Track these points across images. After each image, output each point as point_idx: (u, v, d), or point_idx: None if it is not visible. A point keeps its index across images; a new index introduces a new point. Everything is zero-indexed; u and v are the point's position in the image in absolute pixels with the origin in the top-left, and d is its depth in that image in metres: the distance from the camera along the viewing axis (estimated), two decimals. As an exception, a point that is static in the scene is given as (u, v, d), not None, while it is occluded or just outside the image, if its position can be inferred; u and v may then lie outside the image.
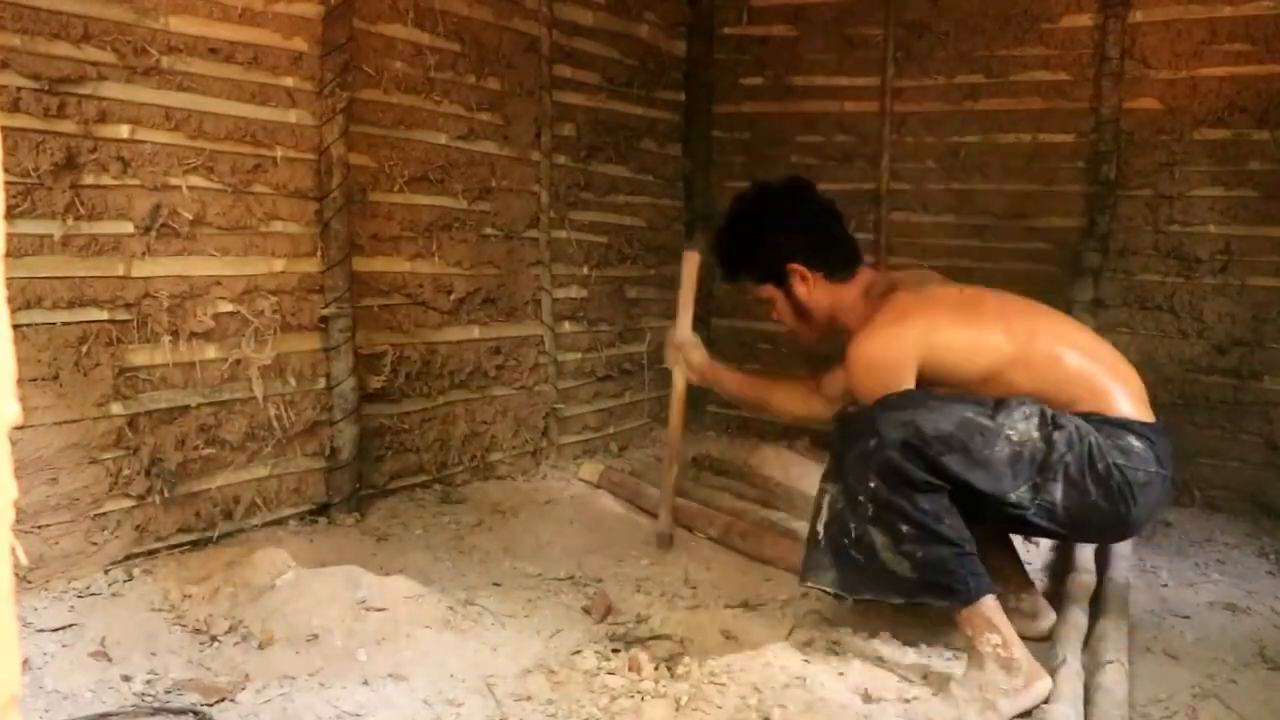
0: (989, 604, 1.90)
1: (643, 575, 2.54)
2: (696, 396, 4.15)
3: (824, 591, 2.03)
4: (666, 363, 2.66)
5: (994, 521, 2.05)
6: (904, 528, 1.87)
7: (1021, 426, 1.91)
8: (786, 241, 2.29)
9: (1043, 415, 1.94)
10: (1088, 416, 1.98)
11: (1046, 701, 1.82)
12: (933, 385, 2.06)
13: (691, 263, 2.61)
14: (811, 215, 2.34)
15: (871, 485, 1.89)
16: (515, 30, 3.27)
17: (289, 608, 2.06)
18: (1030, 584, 2.29)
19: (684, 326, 2.57)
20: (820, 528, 1.99)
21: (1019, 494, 1.91)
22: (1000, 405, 1.94)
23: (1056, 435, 1.92)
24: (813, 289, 2.30)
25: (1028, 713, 1.83)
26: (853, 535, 1.93)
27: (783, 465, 3.44)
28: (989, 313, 2.13)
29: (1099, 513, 1.95)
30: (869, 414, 1.96)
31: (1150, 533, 2.99)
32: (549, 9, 3.37)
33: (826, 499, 1.99)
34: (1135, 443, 1.97)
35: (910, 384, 2.04)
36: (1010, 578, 2.25)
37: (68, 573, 2.23)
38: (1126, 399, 2.03)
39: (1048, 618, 2.22)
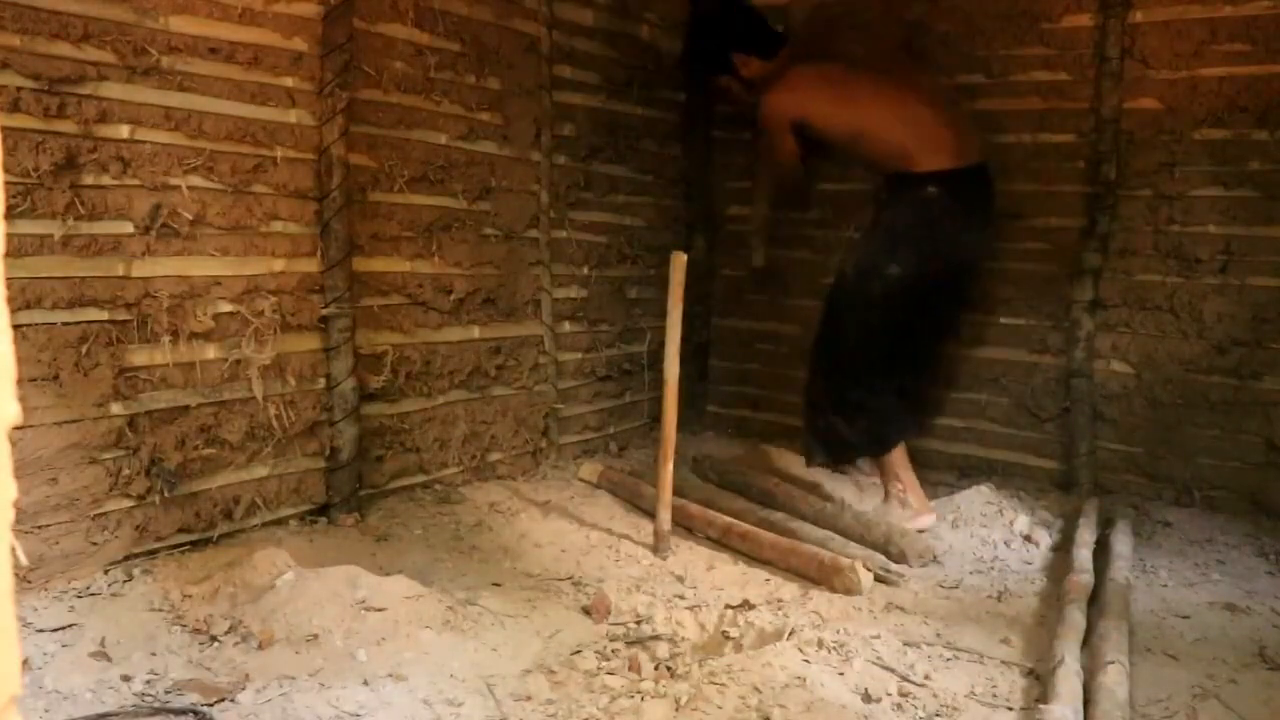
0: (896, 456, 3.00)
1: (643, 575, 2.54)
2: (696, 397, 4.16)
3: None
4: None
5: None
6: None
7: (895, 270, 2.92)
8: (727, 42, 3.31)
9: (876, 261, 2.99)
10: (902, 174, 2.97)
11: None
12: (816, 135, 3.09)
13: (680, 264, 2.64)
14: (738, 20, 3.34)
15: None
16: (515, 30, 3.27)
17: (289, 608, 2.06)
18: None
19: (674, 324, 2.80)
20: None
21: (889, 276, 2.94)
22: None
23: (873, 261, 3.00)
24: (752, 68, 3.29)
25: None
26: None
27: (783, 465, 3.45)
28: (861, 91, 3.05)
29: (928, 245, 2.95)
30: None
31: (1150, 533, 3.00)
32: (549, 9, 3.37)
33: None
34: (932, 189, 2.93)
35: (787, 131, 3.11)
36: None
37: (68, 573, 2.23)
38: (936, 155, 2.94)
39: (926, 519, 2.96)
